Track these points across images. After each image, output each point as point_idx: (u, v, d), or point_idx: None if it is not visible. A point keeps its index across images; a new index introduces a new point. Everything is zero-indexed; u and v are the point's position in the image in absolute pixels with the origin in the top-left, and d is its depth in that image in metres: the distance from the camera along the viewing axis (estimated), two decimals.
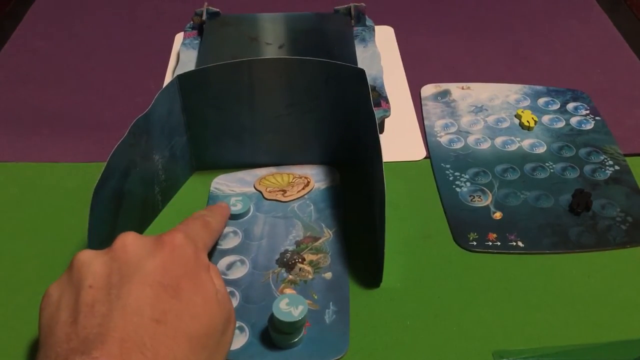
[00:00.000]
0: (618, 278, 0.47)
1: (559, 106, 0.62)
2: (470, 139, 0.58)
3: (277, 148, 0.55)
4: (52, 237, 0.49)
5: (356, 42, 0.65)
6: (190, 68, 0.61)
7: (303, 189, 0.53)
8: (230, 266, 0.47)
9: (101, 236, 0.43)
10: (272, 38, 0.64)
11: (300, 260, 0.47)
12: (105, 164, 0.43)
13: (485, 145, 0.58)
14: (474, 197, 0.53)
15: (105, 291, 0.33)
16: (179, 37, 0.71)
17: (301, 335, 0.42)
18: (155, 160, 0.50)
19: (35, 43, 0.73)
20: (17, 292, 0.46)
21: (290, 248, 0.48)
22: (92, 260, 0.35)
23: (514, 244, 0.49)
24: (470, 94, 0.64)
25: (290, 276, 0.46)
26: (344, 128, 0.53)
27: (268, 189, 0.53)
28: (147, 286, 0.33)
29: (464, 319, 0.44)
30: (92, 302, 0.32)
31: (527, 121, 0.59)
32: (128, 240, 0.36)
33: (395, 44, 0.71)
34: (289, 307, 0.41)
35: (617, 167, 0.55)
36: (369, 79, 0.50)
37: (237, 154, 0.55)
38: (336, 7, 0.68)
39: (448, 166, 0.56)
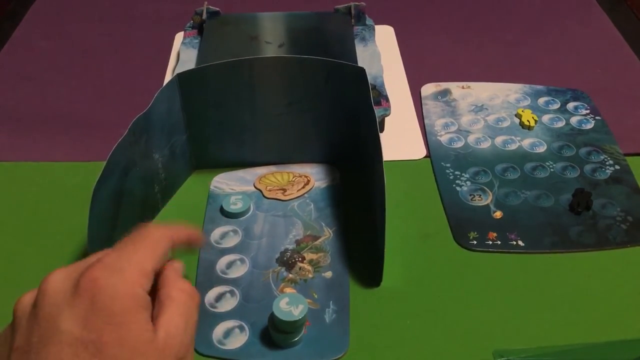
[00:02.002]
0: (618, 278, 0.46)
1: (559, 106, 0.62)
2: (471, 138, 0.58)
3: (277, 146, 0.55)
4: (52, 237, 0.49)
5: (356, 41, 0.64)
6: (190, 67, 0.61)
7: (303, 187, 0.53)
8: (230, 265, 0.47)
9: (101, 235, 0.43)
10: (272, 37, 0.64)
11: (300, 259, 0.47)
12: (105, 163, 0.43)
13: (485, 145, 0.58)
14: (474, 196, 0.53)
15: (27, 356, 0.31)
16: (179, 37, 0.71)
17: (301, 334, 0.42)
18: (155, 159, 0.50)
19: (35, 43, 0.73)
20: (17, 292, 0.46)
21: (290, 247, 0.48)
22: (24, 313, 0.33)
23: (514, 243, 0.49)
24: (470, 93, 0.64)
25: (291, 275, 0.46)
26: (344, 127, 0.53)
27: (268, 188, 0.53)
28: (66, 346, 0.30)
29: (464, 318, 0.44)
30: None
31: (528, 120, 0.59)
32: (49, 286, 0.32)
33: (395, 43, 0.71)
34: (289, 306, 0.40)
35: (617, 167, 0.55)
36: (369, 77, 0.50)
37: (237, 152, 0.55)
38: (336, 7, 0.68)
39: (448, 165, 0.56)
